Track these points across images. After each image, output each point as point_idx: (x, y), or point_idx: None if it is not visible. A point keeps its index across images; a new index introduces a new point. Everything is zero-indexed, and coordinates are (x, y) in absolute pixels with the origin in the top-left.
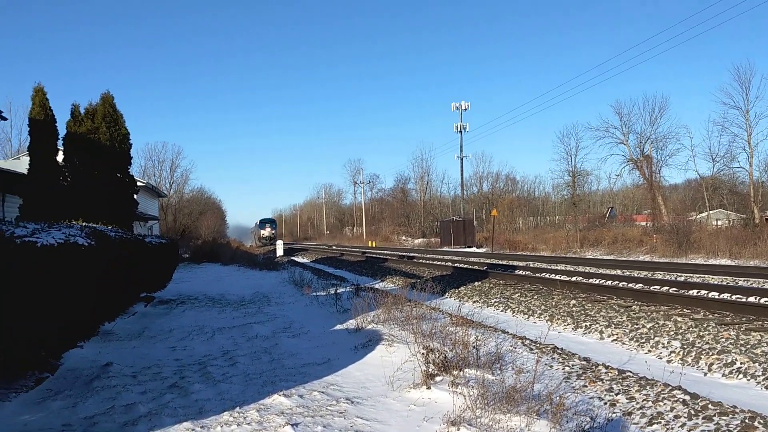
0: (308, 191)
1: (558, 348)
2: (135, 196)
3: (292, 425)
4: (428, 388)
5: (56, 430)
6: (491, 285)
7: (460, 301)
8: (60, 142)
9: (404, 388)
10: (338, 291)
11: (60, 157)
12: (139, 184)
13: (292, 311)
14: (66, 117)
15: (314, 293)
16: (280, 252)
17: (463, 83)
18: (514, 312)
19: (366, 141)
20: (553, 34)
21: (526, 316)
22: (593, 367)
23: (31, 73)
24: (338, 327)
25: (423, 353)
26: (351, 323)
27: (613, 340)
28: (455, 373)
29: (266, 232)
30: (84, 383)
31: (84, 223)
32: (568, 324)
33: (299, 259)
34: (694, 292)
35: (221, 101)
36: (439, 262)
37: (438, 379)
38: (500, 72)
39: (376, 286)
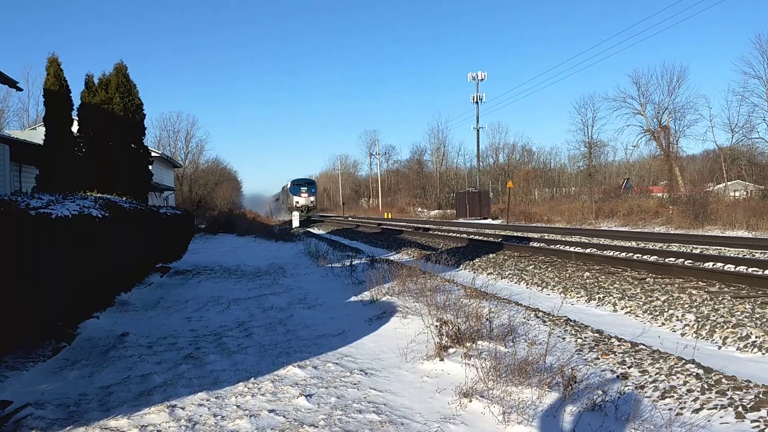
0: (324, 162)
1: (571, 320)
2: (150, 167)
3: (306, 396)
4: (441, 359)
5: (73, 399)
6: (505, 257)
7: (474, 273)
8: (74, 113)
9: (417, 359)
10: (353, 263)
11: (75, 128)
12: (153, 154)
13: (307, 283)
14: (81, 87)
15: (329, 265)
16: (296, 223)
17: (481, 52)
18: (528, 284)
19: (382, 112)
20: (572, 2)
21: (540, 288)
22: (606, 339)
23: (48, 42)
24: (353, 299)
25: (436, 325)
26: (366, 295)
27: (626, 313)
28: (468, 345)
29: (302, 199)
30: (100, 353)
31: (99, 195)
32: (581, 296)
33: (315, 230)
34: (709, 265)
35: (236, 71)
36: (454, 234)
37: (451, 351)
38: (517, 41)
39: (391, 257)
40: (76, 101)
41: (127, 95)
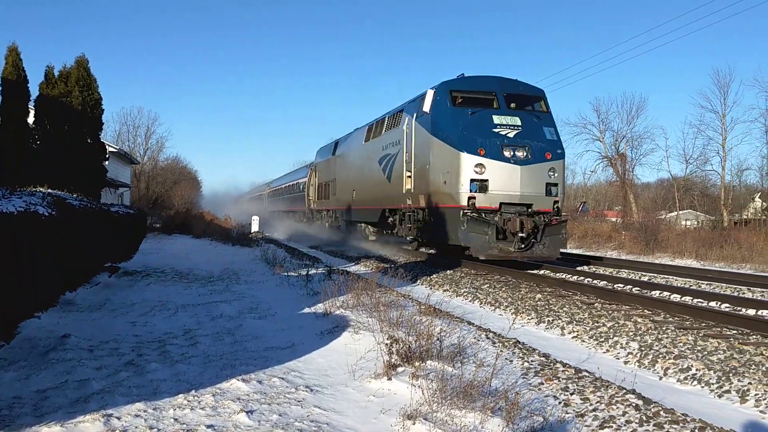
0: (290, 167)
1: (520, 342)
2: (105, 163)
3: (247, 412)
4: (389, 378)
5: (6, 402)
6: (462, 274)
7: (430, 289)
8: (32, 104)
9: (365, 377)
10: (310, 272)
11: (31, 119)
12: (110, 149)
13: (261, 291)
14: (40, 80)
15: (286, 273)
16: (255, 227)
17: (443, 69)
18: (481, 303)
19: (349, 119)
20: (538, 30)
21: (493, 308)
22: (551, 364)
23: (7, 35)
24: (306, 310)
25: (387, 343)
26: (319, 307)
27: (573, 337)
28: (417, 364)
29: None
30: (39, 354)
31: (49, 190)
32: (532, 318)
33: (275, 235)
34: (656, 293)
35: (201, 71)
36: (407, 247)
37: (400, 369)
38: (483, 65)
39: (350, 269)
40: (36, 93)
41: (86, 89)
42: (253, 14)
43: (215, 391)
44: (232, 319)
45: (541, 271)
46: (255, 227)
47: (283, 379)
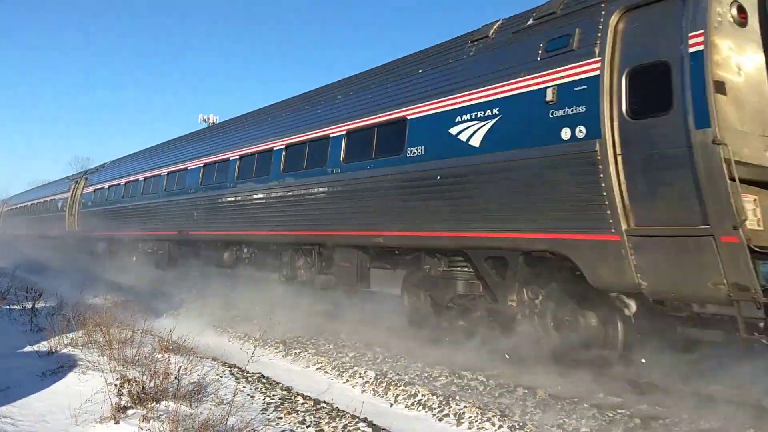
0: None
1: (264, 377)
2: None
3: None
4: (116, 422)
5: None
6: (211, 307)
7: (176, 322)
8: None
9: (90, 422)
10: (37, 305)
11: None
12: None
13: None
14: None
15: (8, 306)
16: None
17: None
18: (230, 337)
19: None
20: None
21: (242, 341)
22: (293, 397)
23: None
24: (28, 349)
25: (116, 384)
26: (44, 345)
27: (317, 369)
28: (150, 405)
29: None
30: None
31: None
32: (279, 350)
33: (5, 263)
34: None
35: None
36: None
37: (130, 412)
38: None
39: (87, 300)
40: None
41: None
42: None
43: None
44: None
45: None
46: None
47: None
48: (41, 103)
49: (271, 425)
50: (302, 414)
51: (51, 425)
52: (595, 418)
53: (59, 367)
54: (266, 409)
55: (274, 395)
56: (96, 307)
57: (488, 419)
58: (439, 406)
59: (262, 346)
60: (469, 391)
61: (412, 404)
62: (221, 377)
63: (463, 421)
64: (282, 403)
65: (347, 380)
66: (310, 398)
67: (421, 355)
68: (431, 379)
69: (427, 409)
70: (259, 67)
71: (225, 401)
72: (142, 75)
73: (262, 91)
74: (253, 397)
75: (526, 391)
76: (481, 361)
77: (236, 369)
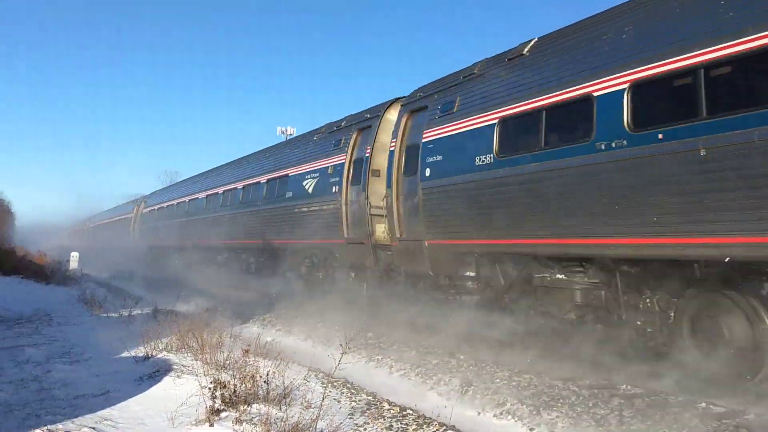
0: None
1: (348, 382)
2: None
3: None
4: (211, 425)
5: None
6: (297, 313)
7: (263, 328)
8: None
9: (186, 424)
10: (133, 312)
11: None
12: None
13: (75, 334)
14: None
15: (105, 314)
16: (74, 264)
17: (288, 108)
18: (314, 342)
19: (184, 154)
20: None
21: (325, 347)
22: (378, 402)
23: None
24: (125, 354)
25: (210, 387)
26: (140, 350)
27: (401, 375)
28: (242, 408)
29: None
30: None
31: None
32: (362, 356)
33: (96, 273)
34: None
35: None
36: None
37: (223, 414)
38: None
39: (177, 308)
40: None
41: None
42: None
43: None
44: (39, 365)
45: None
46: (74, 264)
47: (93, 429)
48: (135, 120)
49: (359, 430)
50: (389, 420)
51: (149, 427)
52: (698, 428)
53: (155, 371)
54: (353, 414)
55: (359, 400)
56: (188, 314)
57: (582, 429)
58: (529, 416)
59: (347, 352)
60: (561, 400)
61: (501, 413)
62: (308, 381)
63: (555, 430)
64: (368, 408)
65: (431, 387)
66: (396, 404)
67: (508, 363)
68: (520, 387)
69: (516, 419)
70: (332, 79)
71: (312, 405)
72: (221, 91)
73: (336, 101)
74: (339, 401)
75: (623, 401)
76: (573, 369)
77: (321, 373)
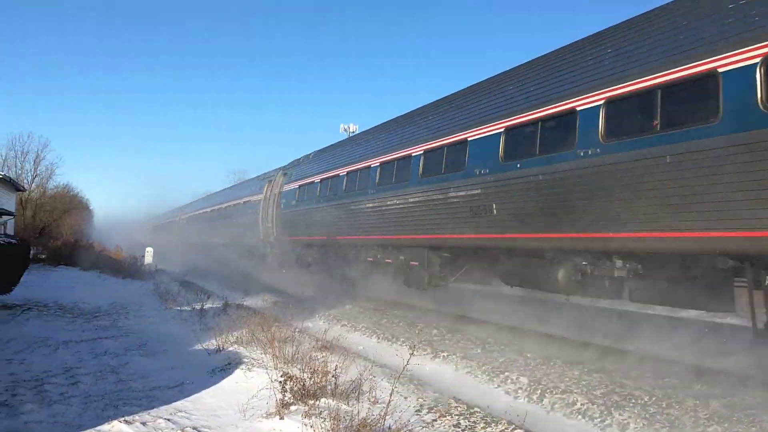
0: (191, 197)
1: (415, 378)
2: None
3: None
4: (281, 418)
5: None
6: (361, 309)
7: (329, 323)
8: None
9: (257, 417)
10: (205, 306)
11: None
12: None
13: (150, 326)
14: None
15: (179, 308)
16: (149, 259)
17: (352, 105)
18: (379, 338)
19: (252, 153)
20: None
21: (390, 343)
22: (445, 399)
23: None
24: (198, 347)
25: (280, 381)
26: (212, 343)
27: (467, 372)
28: (311, 402)
29: None
30: None
31: None
32: (427, 353)
33: (171, 268)
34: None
35: (97, 97)
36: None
37: (293, 408)
38: (387, 95)
39: (246, 302)
40: None
41: None
42: (151, 39)
43: None
44: (117, 357)
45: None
46: (149, 259)
47: (169, 420)
48: (203, 121)
49: (427, 427)
50: (456, 417)
51: (222, 419)
52: None
53: (227, 364)
54: (420, 411)
55: (426, 397)
56: (255, 307)
57: (656, 431)
58: (600, 416)
59: (412, 349)
60: (633, 401)
61: (571, 413)
62: (374, 377)
63: (627, 430)
64: (435, 405)
65: (498, 385)
66: (463, 402)
67: (576, 361)
68: (590, 387)
69: (587, 419)
70: (393, 78)
71: (380, 401)
72: (282, 91)
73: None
74: (406, 398)
75: (698, 402)
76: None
77: (388, 369)
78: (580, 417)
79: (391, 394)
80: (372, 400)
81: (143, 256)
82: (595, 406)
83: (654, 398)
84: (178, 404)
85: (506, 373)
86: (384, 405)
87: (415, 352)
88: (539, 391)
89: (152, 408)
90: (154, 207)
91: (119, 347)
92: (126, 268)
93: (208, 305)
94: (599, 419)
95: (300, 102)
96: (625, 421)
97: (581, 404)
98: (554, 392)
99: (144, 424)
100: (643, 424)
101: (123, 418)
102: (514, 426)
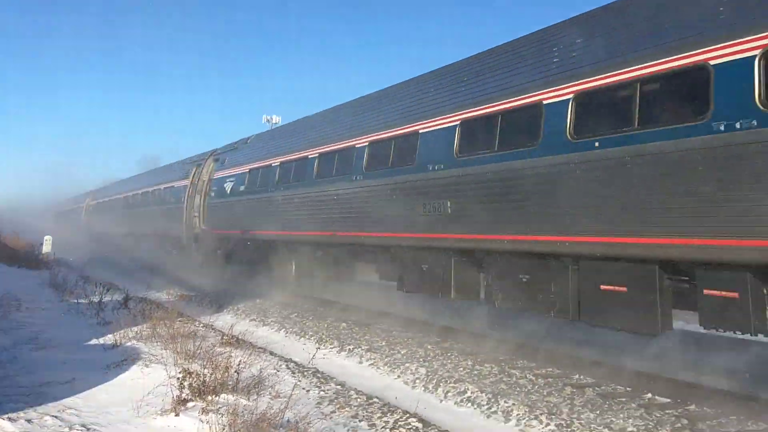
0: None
1: (319, 371)
2: None
3: None
4: (177, 415)
5: None
6: (273, 303)
7: (237, 318)
8: None
9: (151, 414)
10: (104, 299)
11: None
12: None
13: (44, 320)
14: None
15: (76, 300)
16: (47, 248)
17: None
18: (287, 332)
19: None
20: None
21: (299, 337)
22: (346, 392)
23: None
24: (94, 342)
25: (178, 377)
26: (109, 338)
27: (370, 365)
28: (209, 398)
29: None
30: None
31: None
32: (334, 347)
33: (73, 258)
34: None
35: None
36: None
37: (190, 405)
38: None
39: (152, 296)
40: None
41: None
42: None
43: None
44: (5, 350)
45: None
46: (47, 248)
47: (56, 417)
48: (115, 106)
49: (326, 419)
50: (355, 408)
51: (113, 416)
52: (642, 418)
53: (123, 360)
54: (321, 403)
55: (328, 390)
56: (160, 300)
57: (536, 417)
58: (487, 403)
59: (319, 343)
60: (518, 389)
61: (462, 401)
62: (278, 371)
63: (510, 418)
64: (336, 397)
65: (398, 376)
66: (363, 393)
67: (471, 352)
68: (480, 376)
69: (476, 406)
70: (316, 69)
71: (281, 395)
72: (207, 78)
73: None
74: (308, 391)
75: (575, 390)
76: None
77: (293, 364)
78: (469, 404)
79: (293, 388)
80: (273, 394)
81: (42, 245)
82: (483, 393)
83: (537, 386)
84: (68, 401)
85: (407, 365)
86: (286, 399)
87: (321, 346)
88: (435, 380)
89: (39, 405)
90: (58, 192)
91: (8, 341)
92: (22, 257)
93: (107, 298)
94: (486, 406)
95: (223, 90)
96: (509, 408)
97: (471, 392)
98: (448, 382)
99: (29, 421)
100: (526, 410)
101: (6, 415)
102: (408, 414)
